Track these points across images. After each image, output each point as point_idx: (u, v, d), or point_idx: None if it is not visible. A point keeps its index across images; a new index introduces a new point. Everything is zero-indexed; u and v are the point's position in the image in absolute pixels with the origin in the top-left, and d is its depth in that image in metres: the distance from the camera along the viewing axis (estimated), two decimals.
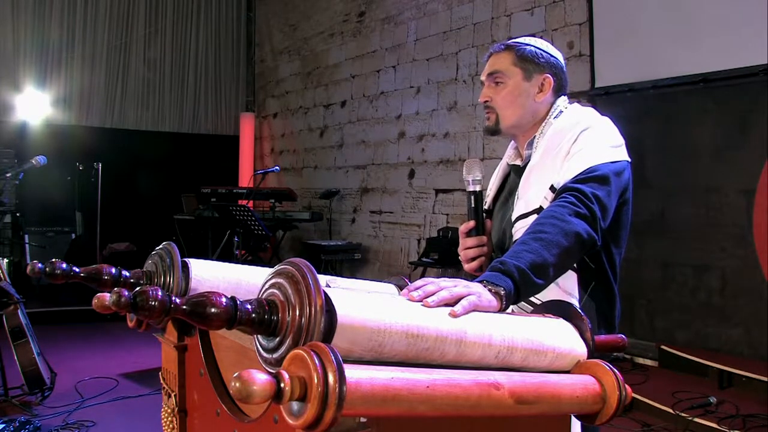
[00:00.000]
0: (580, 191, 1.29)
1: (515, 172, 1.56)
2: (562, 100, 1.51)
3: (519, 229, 1.40)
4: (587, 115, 1.46)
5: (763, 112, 3.58)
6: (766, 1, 3.53)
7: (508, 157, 1.60)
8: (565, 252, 1.20)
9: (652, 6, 4.17)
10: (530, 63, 1.48)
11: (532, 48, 1.50)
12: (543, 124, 1.49)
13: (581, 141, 1.37)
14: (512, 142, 1.59)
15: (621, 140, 1.42)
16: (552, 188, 1.36)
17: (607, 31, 4.46)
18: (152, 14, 8.20)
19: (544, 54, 1.50)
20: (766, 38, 3.52)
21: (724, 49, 3.77)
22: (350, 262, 6.70)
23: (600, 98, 4.49)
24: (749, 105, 3.71)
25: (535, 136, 1.49)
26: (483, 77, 1.55)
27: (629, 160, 1.41)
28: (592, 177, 1.32)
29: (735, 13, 3.74)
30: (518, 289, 1.07)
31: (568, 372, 0.88)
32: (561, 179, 1.34)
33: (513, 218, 1.43)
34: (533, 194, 1.40)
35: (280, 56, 8.55)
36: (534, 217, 1.35)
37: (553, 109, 1.50)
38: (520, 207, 1.42)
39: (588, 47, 4.56)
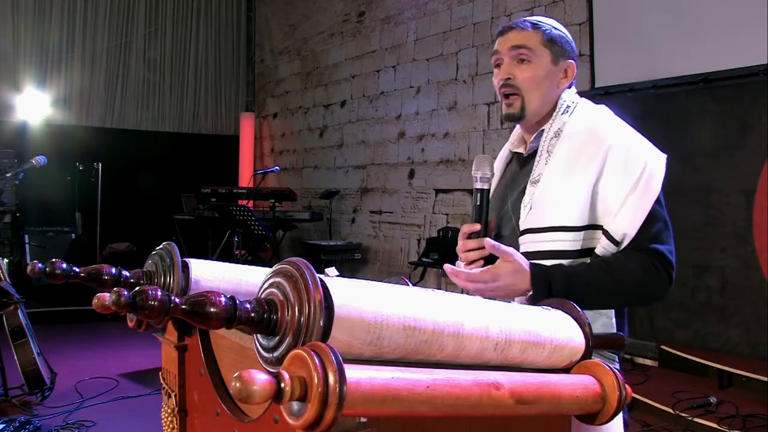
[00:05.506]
0: (658, 254, 1.33)
1: (517, 160, 1.49)
2: (568, 94, 1.44)
3: (527, 243, 1.31)
4: (606, 122, 1.38)
5: (763, 112, 3.58)
6: (766, 1, 3.53)
7: (512, 143, 1.51)
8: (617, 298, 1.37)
9: (652, 6, 4.17)
10: (558, 46, 1.41)
11: (558, 32, 1.43)
12: (552, 117, 1.40)
13: (620, 172, 1.29)
14: (518, 127, 1.49)
15: (647, 147, 1.36)
16: (606, 233, 1.29)
17: (607, 31, 4.46)
18: (152, 14, 8.21)
19: (568, 39, 1.45)
20: (766, 38, 3.52)
21: (724, 49, 3.78)
22: (350, 262, 6.70)
23: (600, 98, 4.43)
24: (749, 105, 3.71)
25: (543, 130, 1.40)
26: (501, 48, 1.41)
27: (665, 155, 1.36)
28: (659, 231, 1.35)
29: (735, 13, 3.74)
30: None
31: (569, 365, 0.88)
32: (620, 227, 1.29)
33: (520, 227, 1.34)
34: (550, 212, 1.30)
35: (280, 56, 8.56)
36: (549, 234, 1.29)
37: (560, 103, 1.41)
38: (531, 219, 1.32)
39: (588, 47, 4.56)
